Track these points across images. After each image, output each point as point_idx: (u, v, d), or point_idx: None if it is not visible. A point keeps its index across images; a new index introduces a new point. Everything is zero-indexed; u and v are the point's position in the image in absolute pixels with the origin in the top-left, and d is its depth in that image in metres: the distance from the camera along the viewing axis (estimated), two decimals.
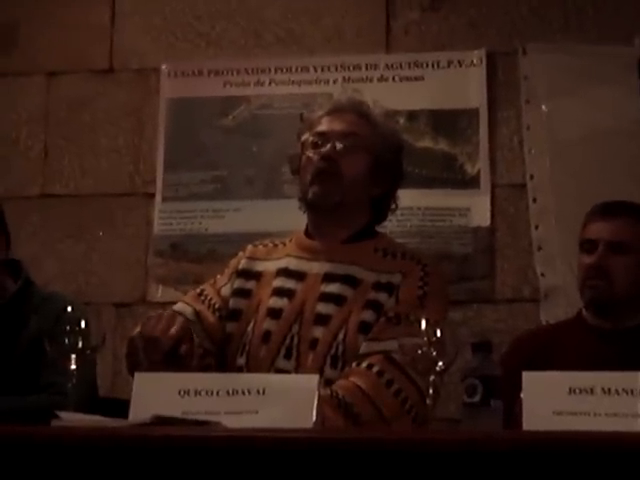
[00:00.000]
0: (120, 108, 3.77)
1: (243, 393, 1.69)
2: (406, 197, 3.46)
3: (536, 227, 3.45)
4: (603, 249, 2.60)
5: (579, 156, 3.44)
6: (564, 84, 3.49)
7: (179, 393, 1.72)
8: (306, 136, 2.36)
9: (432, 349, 1.74)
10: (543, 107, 3.50)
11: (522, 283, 3.44)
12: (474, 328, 3.35)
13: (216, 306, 2.32)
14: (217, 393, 1.70)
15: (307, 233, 2.37)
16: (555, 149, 3.47)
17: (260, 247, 2.41)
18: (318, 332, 2.19)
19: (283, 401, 1.66)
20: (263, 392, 1.68)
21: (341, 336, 2.17)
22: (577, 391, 1.60)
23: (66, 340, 1.87)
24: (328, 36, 3.71)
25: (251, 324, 2.26)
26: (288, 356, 2.19)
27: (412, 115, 3.56)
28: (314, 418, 1.64)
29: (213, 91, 3.74)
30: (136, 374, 1.84)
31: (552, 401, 1.59)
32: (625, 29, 3.49)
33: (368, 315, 2.19)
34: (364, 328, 2.18)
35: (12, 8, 3.87)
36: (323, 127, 2.33)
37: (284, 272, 2.30)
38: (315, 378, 1.71)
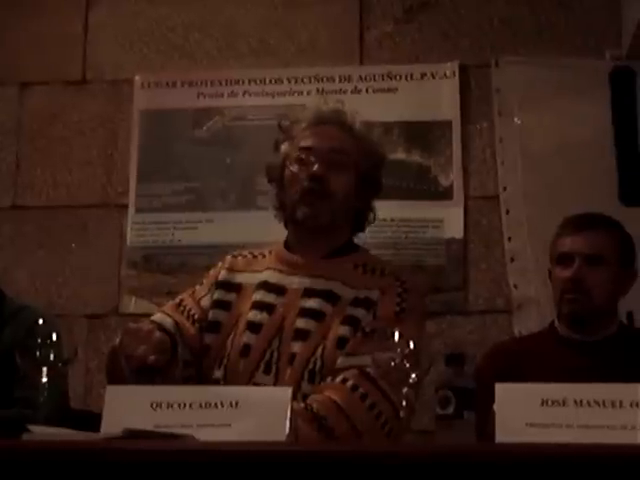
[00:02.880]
0: (93, 119, 3.76)
1: (216, 406, 1.68)
2: (380, 209, 3.47)
3: (509, 239, 3.46)
4: (580, 262, 2.61)
5: (552, 168, 3.46)
6: (536, 97, 3.52)
7: (151, 406, 1.71)
8: (288, 148, 2.34)
9: (405, 361, 1.74)
10: (516, 119, 3.52)
11: (495, 294, 3.45)
12: (447, 339, 3.35)
13: (195, 317, 2.30)
14: (190, 406, 1.69)
15: (287, 246, 2.36)
16: (528, 161, 3.49)
17: (239, 258, 2.39)
18: (297, 347, 2.18)
19: (256, 414, 1.65)
20: (236, 405, 1.67)
21: (319, 351, 2.16)
22: (549, 403, 1.60)
23: (37, 353, 1.86)
24: (302, 48, 3.72)
25: (230, 337, 2.24)
26: (267, 371, 2.18)
27: (386, 127, 3.57)
28: (287, 431, 1.63)
29: (186, 102, 3.73)
30: (108, 387, 1.82)
31: (525, 413, 1.60)
32: (597, 42, 3.53)
33: (345, 331, 2.18)
34: (342, 343, 2.17)
35: None
36: (308, 142, 2.31)
37: (264, 286, 2.29)
38: (288, 391, 1.70)
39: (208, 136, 3.70)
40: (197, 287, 2.38)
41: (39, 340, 1.86)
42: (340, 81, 3.65)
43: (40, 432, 1.67)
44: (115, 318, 3.58)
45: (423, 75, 3.61)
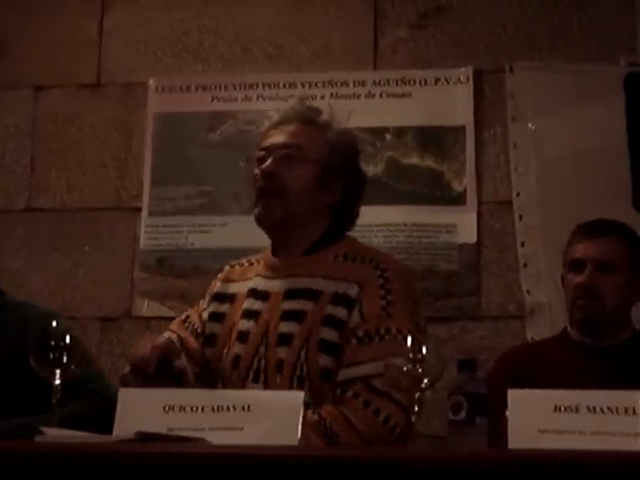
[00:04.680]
0: (107, 123, 3.77)
1: (228, 409, 1.69)
2: (393, 213, 3.51)
3: (522, 244, 3.45)
4: (592, 269, 2.61)
5: (565, 174, 3.45)
6: (550, 102, 3.51)
7: (164, 409, 1.71)
8: (255, 153, 2.32)
9: (417, 366, 1.74)
10: (530, 125, 3.51)
11: (508, 300, 3.44)
12: (459, 345, 3.35)
13: (198, 330, 2.32)
14: (202, 409, 1.70)
15: (272, 250, 2.34)
16: (541, 167, 3.48)
17: (236, 267, 2.39)
18: (282, 353, 2.15)
19: (268, 418, 1.65)
20: (248, 408, 1.68)
21: (303, 356, 2.13)
22: (562, 409, 1.60)
23: (50, 355, 1.86)
24: (316, 52, 3.72)
25: (226, 349, 2.25)
26: (256, 379, 2.16)
27: (399, 132, 3.57)
28: (299, 435, 1.63)
29: (200, 106, 3.74)
30: (121, 389, 1.83)
31: (537, 419, 1.60)
32: (611, 48, 3.52)
33: (327, 333, 2.13)
34: (324, 346, 2.12)
35: (0, 23, 3.87)
36: (267, 142, 2.29)
37: (252, 293, 2.28)
38: (300, 394, 1.71)
39: (222, 140, 3.70)
40: (201, 301, 2.40)
41: (52, 342, 1.87)
42: (354, 86, 3.65)
43: (52, 434, 1.67)
44: (128, 321, 3.59)
45: (437, 80, 3.60)
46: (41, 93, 3.84)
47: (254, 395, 1.85)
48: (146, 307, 3.61)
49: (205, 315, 2.33)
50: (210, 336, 2.29)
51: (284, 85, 3.70)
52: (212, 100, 3.74)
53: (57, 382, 1.85)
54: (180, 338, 2.28)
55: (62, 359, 1.86)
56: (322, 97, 3.65)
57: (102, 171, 3.75)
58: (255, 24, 3.77)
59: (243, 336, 2.22)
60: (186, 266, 3.61)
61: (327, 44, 3.72)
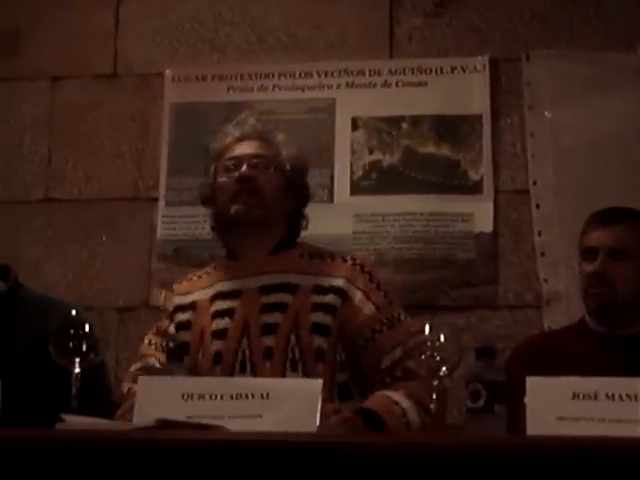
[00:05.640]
0: (124, 113, 3.78)
1: (247, 397, 1.70)
2: (409, 202, 3.51)
3: (539, 233, 3.45)
4: (604, 256, 2.60)
5: (582, 162, 3.44)
6: (567, 91, 3.50)
7: (183, 397, 1.72)
8: (217, 163, 2.45)
9: (435, 354, 1.76)
10: (546, 113, 3.50)
11: (525, 289, 3.44)
12: (477, 334, 3.35)
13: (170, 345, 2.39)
14: (221, 397, 1.71)
15: (229, 257, 2.43)
16: (558, 155, 3.47)
17: (184, 282, 2.48)
18: (269, 341, 2.25)
19: (287, 405, 1.66)
20: (267, 396, 1.69)
21: (293, 340, 2.23)
22: (581, 396, 1.60)
23: (70, 344, 1.87)
24: (332, 42, 3.71)
25: (200, 352, 2.31)
26: (243, 370, 2.24)
27: (415, 121, 3.57)
28: (317, 422, 1.64)
29: (216, 96, 3.74)
30: (140, 378, 1.84)
31: (556, 406, 1.60)
32: (628, 36, 3.50)
33: (320, 317, 2.26)
34: (318, 329, 2.25)
35: (17, 13, 3.88)
36: (234, 153, 2.42)
37: (219, 295, 2.36)
38: (319, 382, 1.71)
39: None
40: (158, 324, 2.45)
41: (72, 331, 1.88)
42: (370, 75, 3.64)
43: (73, 422, 1.69)
44: (145, 310, 3.60)
45: (453, 69, 3.60)
46: (58, 84, 3.84)
47: (273, 383, 1.86)
48: (163, 297, 3.61)
49: (171, 328, 2.39)
50: (182, 344, 2.35)
51: (300, 75, 3.70)
52: (228, 90, 3.74)
53: (77, 371, 1.86)
54: (158, 360, 2.35)
55: (82, 348, 1.88)
56: (338, 86, 3.65)
57: (119, 162, 3.76)
58: (270, 14, 3.77)
59: (220, 333, 2.29)
60: (203, 256, 3.60)
61: (343, 33, 3.71)
